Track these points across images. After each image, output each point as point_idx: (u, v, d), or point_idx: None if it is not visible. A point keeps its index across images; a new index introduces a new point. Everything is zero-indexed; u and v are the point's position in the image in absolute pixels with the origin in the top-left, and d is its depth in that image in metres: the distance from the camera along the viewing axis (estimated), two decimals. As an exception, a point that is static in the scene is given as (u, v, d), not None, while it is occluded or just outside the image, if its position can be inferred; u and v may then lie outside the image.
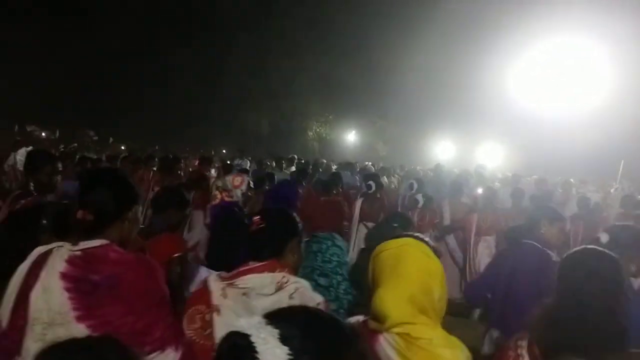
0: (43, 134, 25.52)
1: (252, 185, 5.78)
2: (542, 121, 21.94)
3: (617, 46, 20.14)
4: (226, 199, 5.00)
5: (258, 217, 2.00)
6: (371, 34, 27.77)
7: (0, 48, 24.73)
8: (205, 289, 1.90)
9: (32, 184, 3.48)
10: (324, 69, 29.88)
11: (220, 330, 1.77)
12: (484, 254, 6.44)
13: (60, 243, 1.69)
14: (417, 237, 1.77)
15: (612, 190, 11.58)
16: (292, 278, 1.89)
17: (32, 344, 1.54)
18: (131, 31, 28.61)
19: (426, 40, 24.51)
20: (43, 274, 1.60)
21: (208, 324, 1.82)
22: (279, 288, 1.83)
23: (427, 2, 25.90)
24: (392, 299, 1.60)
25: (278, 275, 1.88)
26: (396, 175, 11.98)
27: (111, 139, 26.52)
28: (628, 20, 19.05)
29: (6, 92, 23.73)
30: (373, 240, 2.87)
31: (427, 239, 1.79)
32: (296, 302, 1.78)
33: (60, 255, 1.63)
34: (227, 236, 4.34)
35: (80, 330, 1.53)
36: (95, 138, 26.10)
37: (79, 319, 1.55)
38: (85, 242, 1.66)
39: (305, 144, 32.48)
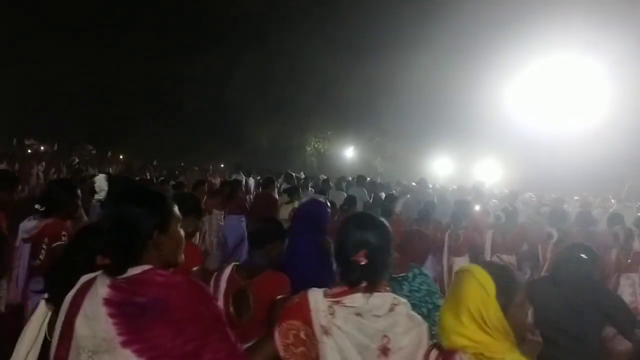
0: (42, 148, 25.54)
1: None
2: (539, 138, 21.99)
3: (613, 63, 20.27)
4: None
5: (364, 252, 1.83)
6: (370, 50, 27.99)
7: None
8: (302, 304, 1.82)
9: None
10: (323, 85, 30.03)
11: (332, 354, 1.72)
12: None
13: (104, 271, 1.64)
14: (488, 264, 1.79)
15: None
16: (401, 299, 1.85)
17: None
18: (131, 46, 28.80)
19: (424, 57, 24.66)
20: (86, 302, 1.57)
21: (301, 342, 1.76)
22: (391, 309, 1.78)
23: (425, 20, 26.12)
24: (447, 315, 1.69)
25: (388, 296, 1.82)
26: (394, 192, 11.96)
27: (109, 153, 26.55)
28: (625, 37, 19.22)
29: (3, 105, 23.81)
30: (562, 270, 2.90)
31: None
32: (409, 324, 1.78)
33: (102, 282, 1.58)
34: None
35: (126, 355, 1.49)
36: (94, 152, 26.10)
37: (125, 343, 1.50)
38: (129, 270, 1.57)
39: (304, 160, 32.51)
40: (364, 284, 1.81)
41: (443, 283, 6.48)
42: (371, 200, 9.82)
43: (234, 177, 13.48)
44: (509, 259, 6.50)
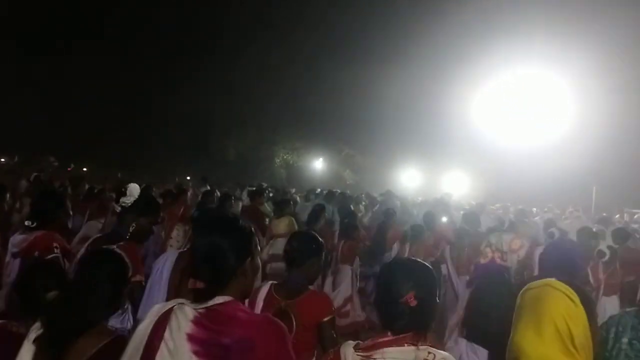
0: (2, 160, 24.76)
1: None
2: (505, 150, 22.42)
3: (575, 78, 20.89)
4: (497, 260, 4.53)
5: (413, 292, 1.73)
6: (339, 63, 28.13)
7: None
8: (335, 358, 1.76)
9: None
10: (292, 96, 30.04)
11: None
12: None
13: (181, 300, 1.60)
14: (563, 280, 1.69)
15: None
16: (439, 354, 1.68)
17: None
18: (92, 56, 28.23)
19: (393, 71, 24.95)
20: (167, 335, 1.52)
21: None
22: None
23: (394, 35, 26.49)
24: (527, 335, 1.58)
25: (423, 351, 1.67)
26: (363, 203, 11.90)
27: (72, 165, 25.87)
28: (586, 53, 19.84)
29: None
30: None
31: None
32: None
33: (184, 315, 1.53)
34: (488, 304, 3.85)
35: None
36: (56, 164, 25.36)
37: None
38: (209, 300, 1.56)
39: (273, 172, 32.34)
40: (401, 335, 1.69)
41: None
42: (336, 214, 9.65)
43: (202, 190, 13.20)
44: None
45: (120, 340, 1.91)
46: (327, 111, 29.22)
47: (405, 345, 1.66)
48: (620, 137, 19.15)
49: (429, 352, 1.65)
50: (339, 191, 12.99)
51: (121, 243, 3.04)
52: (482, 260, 4.73)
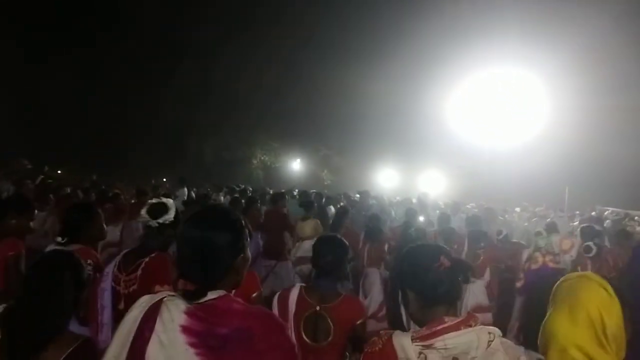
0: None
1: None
2: (481, 150, 22.75)
3: (548, 78, 21.30)
4: (550, 264, 4.44)
5: (443, 256, 1.69)
6: (316, 64, 28.17)
7: None
8: (386, 353, 1.63)
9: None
10: (269, 97, 29.97)
11: None
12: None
13: (171, 292, 1.54)
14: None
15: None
16: (496, 331, 1.61)
17: None
18: (63, 58, 27.72)
19: (369, 71, 25.11)
20: (158, 327, 1.45)
21: None
22: (488, 346, 1.56)
23: (369, 35, 26.64)
24: (560, 320, 1.59)
25: (483, 332, 1.58)
26: (342, 204, 11.93)
27: (46, 167, 25.31)
28: (558, 54, 20.26)
29: None
30: None
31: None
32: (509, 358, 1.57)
33: (176, 307, 1.47)
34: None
35: None
36: (30, 167, 24.77)
37: None
38: (201, 298, 1.50)
39: (250, 173, 32.22)
40: (455, 320, 1.61)
41: None
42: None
43: (179, 190, 13.07)
44: None
45: (88, 344, 1.87)
46: (305, 112, 29.26)
47: (463, 328, 1.58)
48: (593, 137, 19.59)
49: (489, 332, 1.58)
50: (315, 191, 13.00)
51: (153, 255, 2.95)
52: (533, 266, 4.73)
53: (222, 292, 1.51)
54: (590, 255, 5.59)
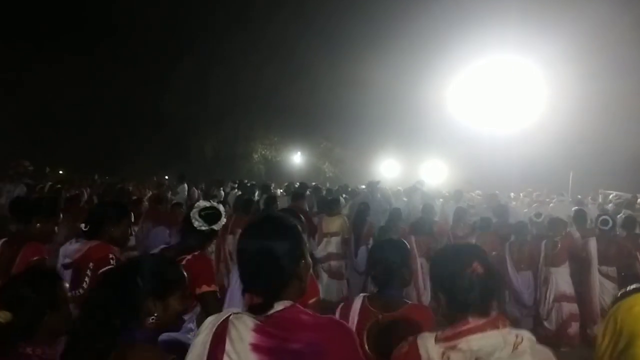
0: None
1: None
2: (483, 137, 22.64)
3: (547, 65, 21.17)
4: None
5: (476, 262, 1.65)
6: (315, 56, 28.05)
7: None
8: (411, 354, 1.63)
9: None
10: (268, 91, 29.85)
11: None
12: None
13: (235, 310, 1.52)
14: None
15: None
16: (525, 333, 1.58)
17: None
18: (61, 56, 27.62)
19: (368, 62, 24.96)
20: (228, 348, 1.42)
21: None
22: (515, 348, 1.53)
23: (367, 25, 26.48)
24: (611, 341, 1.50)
25: (510, 334, 1.56)
26: (344, 196, 11.84)
27: (48, 169, 25.31)
28: (556, 40, 20.11)
29: None
30: None
31: None
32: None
33: (244, 325, 1.44)
34: None
35: None
36: (31, 168, 24.75)
37: None
38: (268, 310, 1.47)
39: (251, 167, 32.18)
40: (481, 321, 1.59)
41: (537, 295, 6.05)
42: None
43: (179, 187, 13.04)
44: (607, 270, 6.06)
45: None
46: (304, 104, 29.13)
47: (488, 330, 1.56)
48: (596, 121, 19.48)
49: (517, 335, 1.56)
50: (314, 184, 12.96)
51: (195, 253, 2.94)
52: None
53: (288, 302, 1.48)
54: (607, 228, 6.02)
